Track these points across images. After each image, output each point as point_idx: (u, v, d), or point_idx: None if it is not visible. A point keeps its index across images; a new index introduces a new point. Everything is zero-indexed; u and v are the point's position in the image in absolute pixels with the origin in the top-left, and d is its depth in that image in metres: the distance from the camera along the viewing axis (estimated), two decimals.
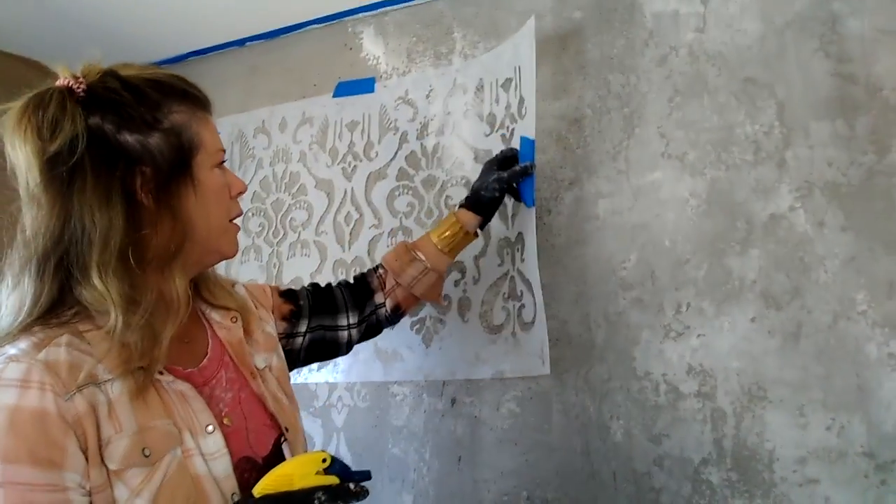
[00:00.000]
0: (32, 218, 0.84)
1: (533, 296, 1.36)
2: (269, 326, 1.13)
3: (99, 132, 0.84)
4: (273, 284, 1.26)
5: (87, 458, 0.77)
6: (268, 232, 1.81)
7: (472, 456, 1.42)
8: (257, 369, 1.03)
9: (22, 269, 0.84)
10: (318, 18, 1.84)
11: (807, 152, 1.21)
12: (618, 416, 1.30)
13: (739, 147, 1.26)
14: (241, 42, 1.97)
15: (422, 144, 1.62)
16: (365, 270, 1.35)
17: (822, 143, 1.20)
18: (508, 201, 1.44)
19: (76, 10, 1.76)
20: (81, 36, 1.87)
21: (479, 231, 1.33)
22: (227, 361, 0.99)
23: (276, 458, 0.96)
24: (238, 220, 1.03)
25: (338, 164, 1.74)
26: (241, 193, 1.02)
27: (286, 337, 1.19)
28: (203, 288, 1.04)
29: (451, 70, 1.62)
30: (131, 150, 0.86)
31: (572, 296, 1.38)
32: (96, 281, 0.81)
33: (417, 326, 1.54)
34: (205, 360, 0.96)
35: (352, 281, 1.32)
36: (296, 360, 1.22)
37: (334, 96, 1.79)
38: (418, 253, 1.29)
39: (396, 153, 1.65)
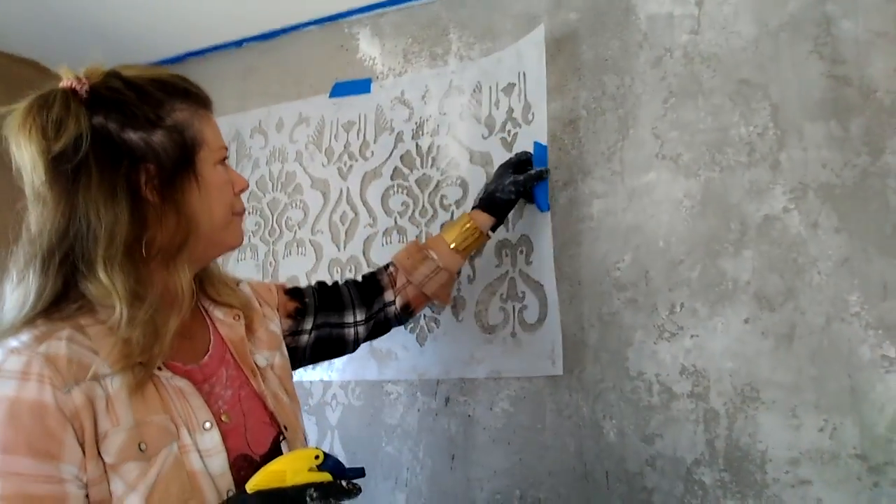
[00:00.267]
0: (38, 215, 0.85)
1: (538, 298, 1.39)
2: (273, 325, 1.14)
3: (103, 131, 0.86)
4: (279, 283, 1.26)
5: (84, 451, 0.77)
6: (264, 231, 1.82)
7: (466, 455, 1.42)
8: (258, 367, 1.03)
9: (27, 265, 0.85)
10: (314, 19, 1.84)
11: (801, 154, 1.21)
12: (611, 415, 1.30)
13: (734, 148, 1.27)
14: (238, 43, 1.98)
15: (417, 144, 1.63)
16: (374, 269, 1.35)
17: (816, 145, 1.20)
18: None
19: (74, 10, 1.76)
20: (79, 36, 1.87)
21: (490, 232, 1.34)
22: (228, 359, 1.00)
23: (274, 456, 0.96)
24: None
25: (333, 163, 1.74)
26: (243, 190, 1.03)
27: (291, 334, 1.20)
28: (207, 285, 1.05)
29: (446, 71, 1.62)
30: (135, 147, 0.87)
31: (566, 296, 1.38)
32: (102, 275, 0.82)
33: (412, 325, 1.54)
34: (206, 357, 0.97)
35: (360, 279, 1.33)
36: (302, 358, 1.23)
37: (331, 96, 1.79)
38: (430, 252, 1.30)
39: (392, 153, 1.66)
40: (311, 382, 1.65)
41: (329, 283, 1.31)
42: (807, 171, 1.20)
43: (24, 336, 0.80)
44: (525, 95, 1.48)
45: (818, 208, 1.18)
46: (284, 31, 1.90)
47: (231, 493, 0.87)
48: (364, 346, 1.55)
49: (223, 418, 0.92)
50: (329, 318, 1.24)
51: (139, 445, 0.80)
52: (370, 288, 1.30)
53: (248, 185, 1.05)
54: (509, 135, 1.50)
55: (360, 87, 1.75)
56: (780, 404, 1.16)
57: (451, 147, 1.58)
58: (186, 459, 0.85)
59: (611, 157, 1.38)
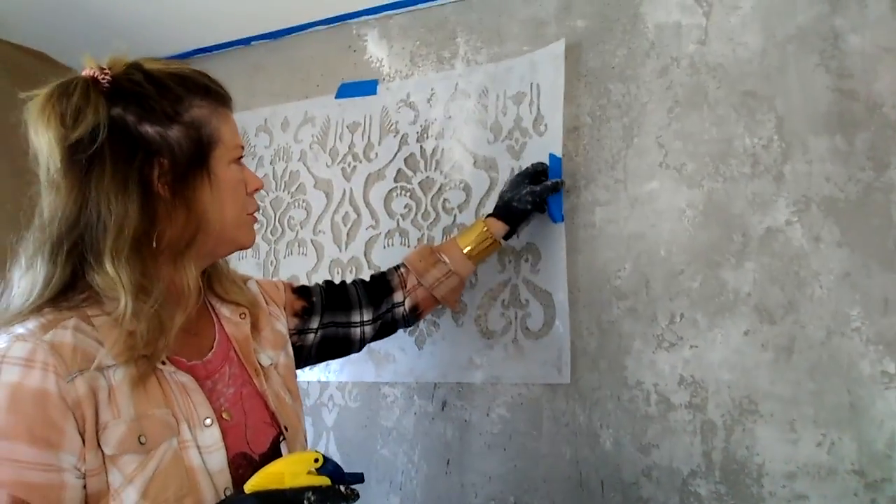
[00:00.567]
0: (50, 202, 0.86)
1: (543, 305, 1.39)
2: (279, 324, 1.14)
3: (120, 122, 0.86)
4: (286, 280, 1.26)
5: (84, 441, 0.77)
6: (266, 230, 1.81)
7: (461, 460, 1.42)
8: (262, 367, 1.03)
9: (36, 252, 0.85)
10: (323, 20, 1.84)
11: (805, 167, 1.21)
12: (607, 424, 1.29)
13: (737, 160, 1.26)
14: (246, 41, 1.98)
15: (421, 147, 1.63)
16: (384, 269, 1.36)
17: (821, 158, 1.20)
18: None
19: (82, 3, 1.77)
20: (86, 29, 1.87)
21: (503, 241, 1.35)
22: (231, 357, 1.00)
23: (273, 456, 0.96)
24: (255, 214, 1.04)
25: (337, 164, 1.74)
26: (257, 190, 1.03)
27: (298, 333, 1.20)
28: (215, 282, 1.05)
29: (453, 74, 1.62)
30: (151, 141, 0.88)
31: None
32: (109, 267, 0.83)
33: (411, 328, 1.54)
34: (210, 353, 0.97)
35: (368, 279, 1.33)
36: (308, 356, 1.23)
37: (337, 97, 1.79)
38: (443, 255, 1.31)
39: (396, 155, 1.66)
40: (308, 383, 1.65)
41: (335, 282, 1.31)
42: (810, 185, 1.20)
43: (31, 324, 0.80)
44: (538, 107, 1.48)
45: (821, 222, 1.18)
46: (293, 30, 1.90)
47: (228, 491, 0.87)
48: None
49: (224, 416, 0.92)
50: (336, 317, 1.25)
51: (139, 438, 0.80)
52: (379, 288, 1.31)
53: (262, 186, 1.05)
54: (517, 143, 1.50)
55: (367, 88, 1.75)
56: (779, 418, 1.16)
57: (456, 151, 1.58)
58: (185, 455, 0.85)
59: (614, 165, 1.38)
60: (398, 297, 1.31)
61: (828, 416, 1.12)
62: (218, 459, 0.87)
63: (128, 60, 0.91)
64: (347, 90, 1.78)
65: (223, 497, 0.86)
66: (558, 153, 1.40)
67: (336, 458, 1.53)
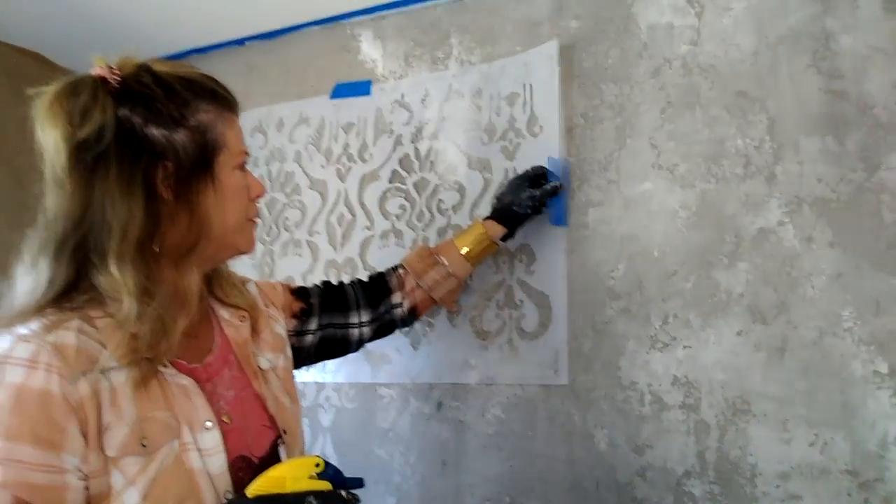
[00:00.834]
0: (54, 200, 0.86)
1: (538, 306, 1.40)
2: (278, 326, 1.14)
3: (127, 124, 0.86)
4: (284, 282, 1.27)
5: (86, 443, 0.77)
6: (261, 231, 1.82)
7: (457, 460, 1.42)
8: (261, 370, 1.03)
9: (40, 251, 0.86)
10: (317, 20, 1.84)
11: (796, 167, 1.21)
12: (602, 425, 1.30)
13: (730, 160, 1.27)
14: (240, 41, 1.98)
15: (416, 148, 1.63)
16: (382, 270, 1.36)
17: (812, 159, 1.20)
18: None
19: (78, 4, 1.76)
20: (82, 30, 1.88)
21: (500, 242, 1.36)
22: (231, 360, 1.00)
23: (272, 459, 0.96)
24: (256, 219, 1.04)
25: (332, 164, 1.75)
26: (259, 196, 1.03)
27: (296, 335, 1.20)
28: (216, 285, 1.05)
29: (447, 75, 1.62)
30: (156, 143, 0.87)
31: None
32: (113, 268, 0.83)
33: (406, 329, 1.54)
34: (210, 356, 0.97)
35: (366, 279, 1.34)
36: (307, 357, 1.24)
37: (331, 98, 1.79)
38: (441, 257, 1.32)
39: (390, 156, 1.66)
40: (304, 384, 1.65)
41: (333, 282, 1.31)
42: (802, 185, 1.20)
43: (34, 324, 0.80)
44: (531, 107, 1.49)
45: (813, 222, 1.18)
46: (287, 30, 1.90)
47: (229, 494, 0.87)
48: None
49: (224, 418, 0.92)
50: (334, 318, 1.25)
51: (141, 441, 0.81)
52: (377, 289, 1.31)
53: (264, 192, 1.05)
54: (511, 144, 1.50)
55: (361, 88, 1.75)
56: (772, 418, 1.16)
57: (450, 151, 1.58)
58: (186, 457, 0.85)
59: (607, 165, 1.38)
60: (397, 298, 1.31)
61: (820, 416, 1.13)
62: (218, 462, 0.88)
63: (137, 61, 0.91)
64: (342, 91, 1.78)
65: (224, 500, 0.86)
66: (555, 155, 1.41)
67: (333, 459, 1.54)
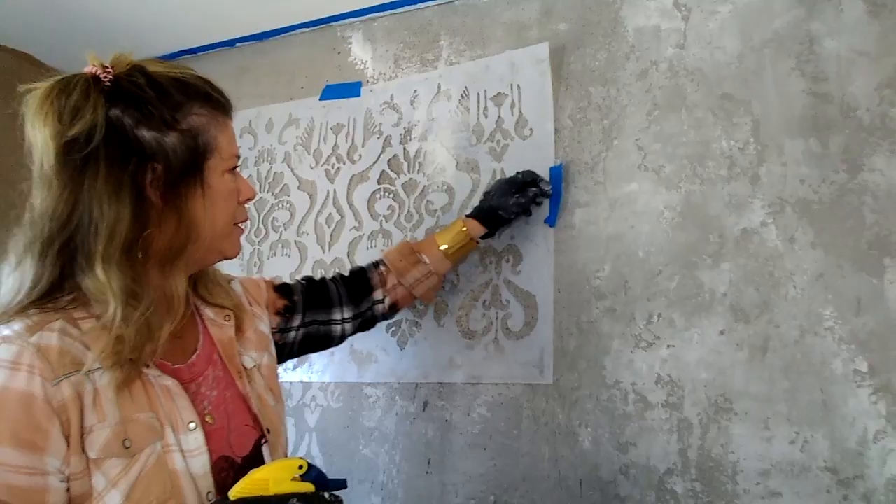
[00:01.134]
0: (42, 199, 0.85)
1: (523, 306, 1.41)
2: (262, 324, 1.14)
3: (118, 124, 0.85)
4: (267, 278, 1.26)
5: (68, 445, 0.77)
6: (249, 231, 1.82)
7: (442, 459, 1.42)
8: (245, 369, 1.03)
9: (26, 250, 0.85)
10: (308, 22, 1.85)
11: (780, 169, 1.22)
12: (586, 423, 1.30)
13: (715, 162, 1.28)
14: (231, 43, 1.99)
15: (404, 149, 1.64)
16: (364, 265, 1.36)
17: (796, 161, 1.21)
18: None
19: (70, 6, 1.77)
20: (74, 32, 1.88)
21: (479, 240, 1.37)
22: (215, 359, 0.99)
23: (255, 458, 0.96)
24: (243, 224, 1.03)
25: (321, 165, 1.75)
26: (248, 199, 1.02)
27: (280, 332, 1.20)
28: (201, 285, 1.04)
29: (434, 75, 1.64)
30: (146, 146, 0.86)
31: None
32: (99, 271, 0.82)
33: (393, 329, 1.55)
34: (194, 356, 0.96)
35: (347, 274, 1.34)
36: (289, 353, 1.24)
37: (321, 99, 1.80)
38: (423, 256, 1.33)
39: (379, 157, 1.67)
40: (290, 384, 1.65)
41: (316, 278, 1.32)
42: (785, 187, 1.21)
43: (16, 325, 0.80)
44: (520, 109, 1.50)
45: (795, 223, 1.19)
46: (277, 32, 1.91)
47: (211, 496, 0.87)
48: (345, 349, 1.56)
49: (207, 419, 0.91)
50: (317, 315, 1.26)
51: (124, 442, 0.80)
52: (359, 286, 1.32)
53: (254, 195, 1.04)
54: (498, 145, 1.51)
55: (351, 90, 1.76)
56: (753, 416, 1.17)
57: (438, 153, 1.59)
58: (169, 459, 0.84)
59: (594, 167, 1.39)
60: (378, 295, 1.32)
61: (801, 414, 1.14)
62: (201, 463, 0.87)
63: (131, 60, 0.90)
64: (331, 92, 1.79)
65: (206, 502, 0.86)
66: (548, 159, 1.43)
67: (318, 458, 1.54)
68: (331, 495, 0.84)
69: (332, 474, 0.88)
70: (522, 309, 1.41)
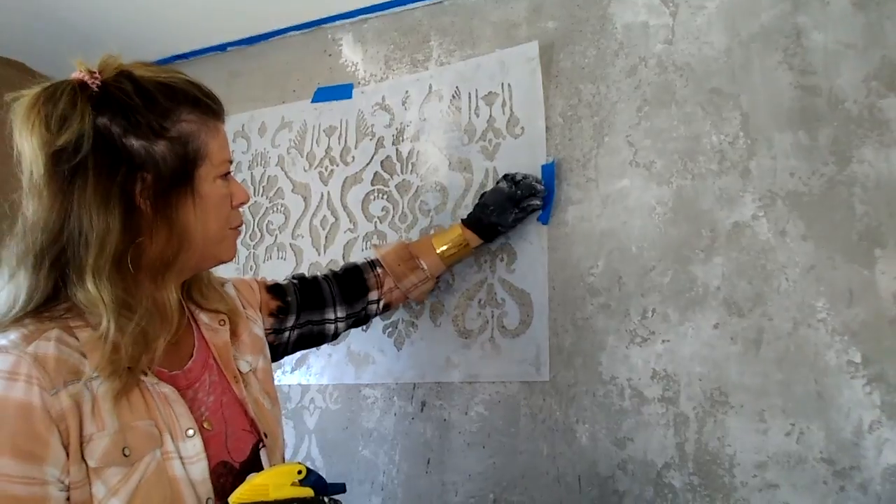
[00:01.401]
0: (34, 210, 0.84)
1: (518, 304, 1.42)
2: (256, 327, 1.13)
3: (106, 133, 0.84)
4: (260, 278, 1.26)
5: (68, 454, 0.77)
6: (245, 235, 1.82)
7: (441, 458, 1.43)
8: (241, 373, 1.03)
9: (19, 262, 0.84)
10: (298, 25, 1.85)
11: (770, 162, 1.23)
12: (583, 419, 1.31)
13: (705, 156, 1.29)
14: (222, 47, 1.99)
15: (397, 150, 1.64)
16: (359, 263, 1.36)
17: (785, 154, 1.22)
18: None
19: (58, 12, 1.77)
20: (64, 39, 1.88)
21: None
22: (211, 364, 0.99)
23: (253, 463, 0.96)
24: (239, 227, 1.02)
25: (315, 168, 1.76)
26: (242, 203, 1.00)
27: (274, 332, 1.21)
28: (195, 289, 1.03)
29: (425, 75, 1.64)
30: (135, 155, 0.85)
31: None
32: (90, 285, 0.81)
33: (390, 330, 1.55)
34: (190, 362, 0.96)
35: (341, 272, 1.34)
36: (283, 352, 1.25)
37: (313, 101, 1.80)
38: (421, 261, 1.34)
39: (372, 158, 1.67)
40: (289, 386, 1.66)
41: (308, 276, 1.32)
42: (775, 180, 1.22)
43: (13, 335, 0.79)
44: (511, 108, 1.51)
45: (786, 216, 1.20)
46: (268, 35, 1.91)
47: (211, 502, 0.87)
48: (342, 350, 1.57)
49: (205, 425, 0.91)
50: (311, 316, 1.26)
51: (123, 450, 0.80)
52: (354, 286, 1.32)
53: (248, 199, 1.03)
54: (490, 144, 1.52)
55: (342, 92, 1.76)
56: (749, 408, 1.18)
57: (431, 153, 1.60)
58: (168, 466, 0.84)
59: (586, 163, 1.40)
60: (373, 296, 1.33)
61: (796, 405, 1.15)
62: (200, 469, 0.87)
63: (120, 63, 0.88)
64: (323, 94, 1.79)
65: None
66: (540, 157, 1.43)
67: (318, 460, 1.55)
68: (330, 499, 0.85)
69: (331, 476, 0.89)
70: (517, 307, 1.42)
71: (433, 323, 1.51)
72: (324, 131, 1.77)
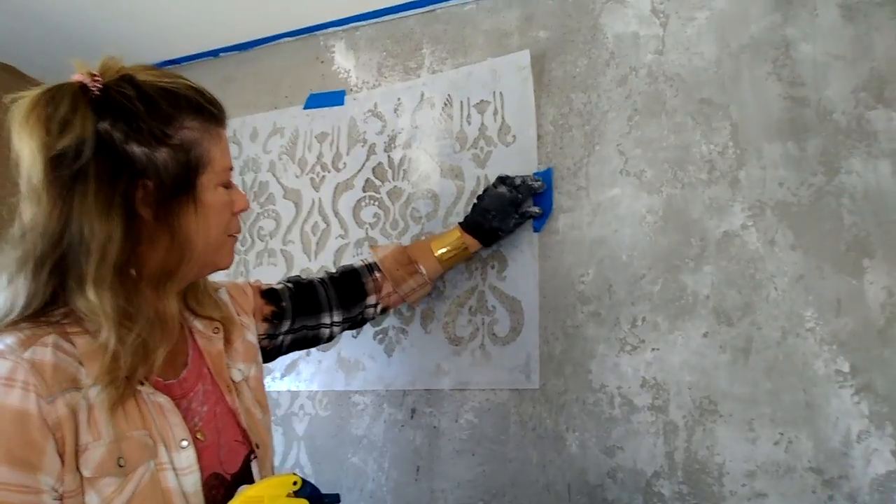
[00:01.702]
0: (33, 215, 0.82)
1: (509, 312, 1.42)
2: (249, 334, 1.12)
3: (107, 139, 0.82)
4: (254, 282, 1.24)
5: (62, 463, 0.76)
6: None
7: (430, 466, 1.43)
8: (233, 382, 1.02)
9: (19, 268, 0.82)
10: (291, 31, 1.86)
11: (759, 172, 1.24)
12: (573, 427, 1.31)
13: (695, 166, 1.29)
14: (215, 53, 1.99)
15: (389, 157, 1.65)
16: (356, 266, 1.35)
17: (774, 164, 1.23)
18: None
19: (53, 17, 1.77)
20: (57, 43, 1.88)
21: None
22: (205, 373, 0.98)
23: (244, 474, 0.96)
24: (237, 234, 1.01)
25: (306, 174, 1.76)
26: (241, 210, 0.99)
27: (268, 337, 1.20)
28: (190, 296, 1.02)
29: (417, 83, 1.64)
30: (137, 162, 0.84)
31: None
32: (91, 294, 0.80)
33: (380, 336, 1.55)
34: (185, 371, 0.95)
35: (337, 275, 1.33)
36: (276, 354, 1.25)
37: (305, 108, 1.81)
38: (420, 266, 1.34)
39: (364, 165, 1.67)
40: (278, 393, 1.65)
41: (303, 278, 1.31)
42: (764, 190, 1.23)
43: (9, 339, 0.78)
44: (503, 117, 1.51)
45: (775, 226, 1.21)
46: (261, 41, 1.92)
47: None
48: (332, 356, 1.57)
49: (199, 436, 0.91)
50: (306, 321, 1.25)
51: (118, 461, 0.79)
52: (351, 291, 1.31)
53: (247, 206, 1.01)
54: (482, 152, 1.52)
55: (334, 99, 1.77)
56: (738, 417, 1.18)
57: (423, 160, 1.60)
58: (162, 477, 0.84)
59: (577, 172, 1.41)
60: (371, 300, 1.33)
61: (785, 415, 1.15)
62: (192, 481, 0.87)
63: (122, 66, 0.87)
64: (315, 101, 1.79)
65: None
66: (532, 165, 1.44)
67: (307, 467, 1.54)
68: None
69: (320, 483, 0.88)
70: (508, 315, 1.42)
71: (424, 330, 1.51)
72: (315, 138, 1.77)
